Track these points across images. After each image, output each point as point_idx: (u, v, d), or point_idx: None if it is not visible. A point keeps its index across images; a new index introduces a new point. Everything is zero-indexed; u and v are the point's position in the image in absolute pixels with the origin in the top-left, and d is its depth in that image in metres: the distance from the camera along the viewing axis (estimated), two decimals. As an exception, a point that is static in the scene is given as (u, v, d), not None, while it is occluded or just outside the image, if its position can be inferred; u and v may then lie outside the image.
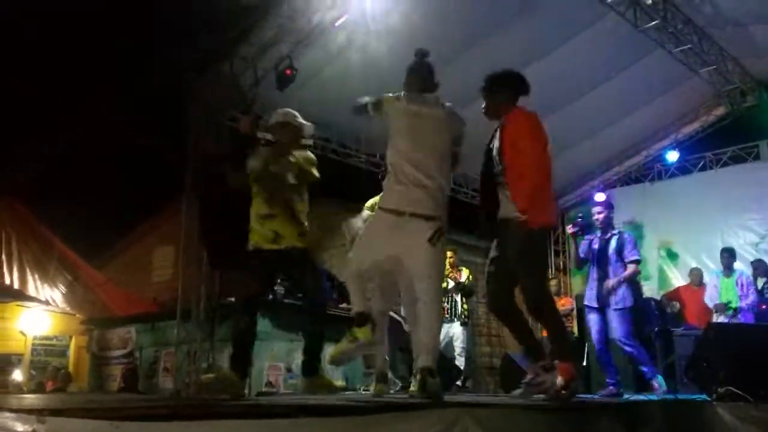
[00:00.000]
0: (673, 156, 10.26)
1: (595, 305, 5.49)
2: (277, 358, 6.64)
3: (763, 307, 7.28)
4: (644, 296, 8.48)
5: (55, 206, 10.16)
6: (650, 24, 7.52)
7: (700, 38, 8.07)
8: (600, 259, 5.57)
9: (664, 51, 8.10)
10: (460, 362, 7.46)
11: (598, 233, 5.75)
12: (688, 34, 7.89)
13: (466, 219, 10.72)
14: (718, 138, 10.17)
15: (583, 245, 5.72)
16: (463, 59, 7.79)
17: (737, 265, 7.92)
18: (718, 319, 7.25)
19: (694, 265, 9.16)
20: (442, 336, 7.49)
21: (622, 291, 5.41)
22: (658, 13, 7.41)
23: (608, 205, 5.91)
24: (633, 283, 5.67)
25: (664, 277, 10.03)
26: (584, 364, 8.42)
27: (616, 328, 5.31)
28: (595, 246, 5.65)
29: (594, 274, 5.60)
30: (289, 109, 4.37)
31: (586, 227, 5.78)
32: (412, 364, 6.86)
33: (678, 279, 9.69)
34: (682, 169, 10.39)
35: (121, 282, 11.03)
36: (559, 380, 3.40)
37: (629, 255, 5.53)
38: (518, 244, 3.65)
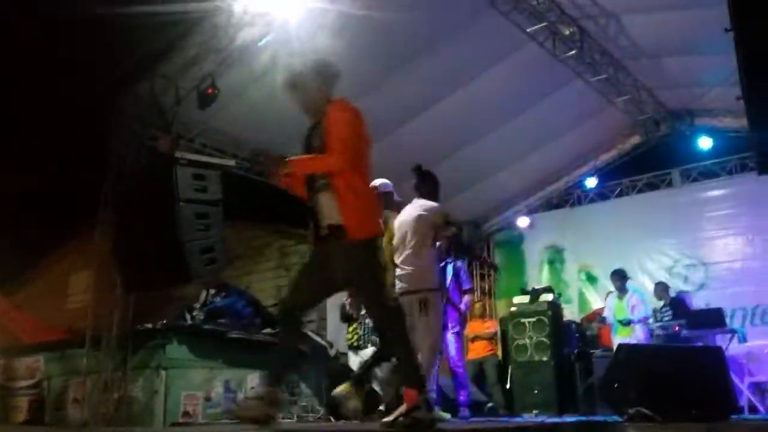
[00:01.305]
0: (591, 182, 10.61)
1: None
2: (195, 387, 6.39)
3: (676, 329, 7.57)
4: (564, 319, 8.69)
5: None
6: (568, 54, 7.78)
7: (616, 69, 8.41)
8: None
9: (582, 81, 8.41)
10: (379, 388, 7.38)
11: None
12: (604, 64, 8.21)
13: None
14: (634, 165, 10.63)
15: None
16: (386, 86, 7.84)
17: (631, 284, 8.44)
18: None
19: (612, 288, 9.43)
20: (357, 364, 7.44)
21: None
22: (576, 43, 7.69)
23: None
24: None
25: (584, 299, 10.30)
26: (508, 386, 8.52)
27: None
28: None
29: None
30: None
31: None
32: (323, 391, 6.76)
33: (597, 302, 9.96)
34: (601, 195, 10.75)
35: (35, 308, 10.46)
36: (402, 407, 3.17)
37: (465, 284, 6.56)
38: (357, 257, 3.24)
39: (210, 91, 6.50)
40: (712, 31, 6.89)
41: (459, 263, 6.83)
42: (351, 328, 7.57)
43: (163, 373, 6.21)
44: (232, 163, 6.81)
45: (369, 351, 7.44)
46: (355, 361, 7.49)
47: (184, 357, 6.29)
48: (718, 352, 4.58)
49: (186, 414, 6.32)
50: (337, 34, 6.76)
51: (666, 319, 7.93)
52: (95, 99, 7.02)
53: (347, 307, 7.58)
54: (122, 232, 6.46)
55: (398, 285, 4.65)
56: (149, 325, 6.37)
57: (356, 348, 7.49)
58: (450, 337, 6.28)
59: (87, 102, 7.47)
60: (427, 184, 5.17)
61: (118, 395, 6.19)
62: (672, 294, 8.42)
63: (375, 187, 4.69)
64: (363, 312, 7.51)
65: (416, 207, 4.90)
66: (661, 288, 8.38)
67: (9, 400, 7.74)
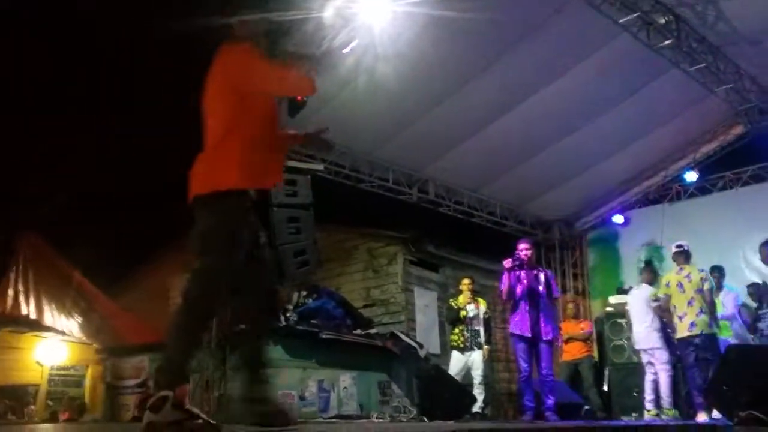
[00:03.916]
0: (691, 176, 10.15)
1: (528, 335, 6.12)
2: (290, 386, 6.55)
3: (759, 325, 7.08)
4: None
5: (74, 237, 10.25)
6: (664, 43, 7.45)
7: (716, 57, 7.99)
8: (530, 293, 6.23)
9: (679, 70, 8.04)
10: (479, 390, 7.35)
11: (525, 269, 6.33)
12: (702, 52, 7.82)
13: (482, 243, 10.65)
14: (737, 157, 10.08)
15: (512, 279, 6.29)
16: (475, 83, 7.80)
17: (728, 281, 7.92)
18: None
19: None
20: (461, 365, 7.43)
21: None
22: (672, 32, 7.35)
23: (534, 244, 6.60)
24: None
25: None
26: (605, 388, 8.25)
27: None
28: (525, 281, 6.25)
29: (525, 306, 6.18)
30: None
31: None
32: (428, 392, 6.78)
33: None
34: (702, 189, 10.26)
35: (139, 311, 11.03)
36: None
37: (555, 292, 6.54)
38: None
39: (299, 99, 6.64)
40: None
41: (549, 272, 6.85)
42: (457, 330, 7.61)
43: (260, 372, 6.39)
44: (320, 167, 6.93)
45: (476, 354, 7.44)
46: (459, 361, 7.50)
47: (279, 357, 6.45)
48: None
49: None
50: (423, 36, 6.79)
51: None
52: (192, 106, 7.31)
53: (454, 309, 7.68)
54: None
55: None
56: (245, 327, 6.57)
57: (461, 349, 7.52)
58: (542, 346, 6.20)
59: (184, 108, 7.80)
60: None
61: (219, 394, 6.42)
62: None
63: None
64: (471, 315, 7.55)
65: None
66: (760, 289, 7.72)
67: (118, 398, 8.20)
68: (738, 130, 9.77)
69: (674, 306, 6.49)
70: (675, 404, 7.04)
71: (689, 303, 6.38)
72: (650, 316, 7.13)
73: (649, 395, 7.00)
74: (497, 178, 9.99)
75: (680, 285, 6.49)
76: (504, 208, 10.69)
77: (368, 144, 8.67)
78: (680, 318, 6.42)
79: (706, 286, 6.45)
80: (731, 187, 9.97)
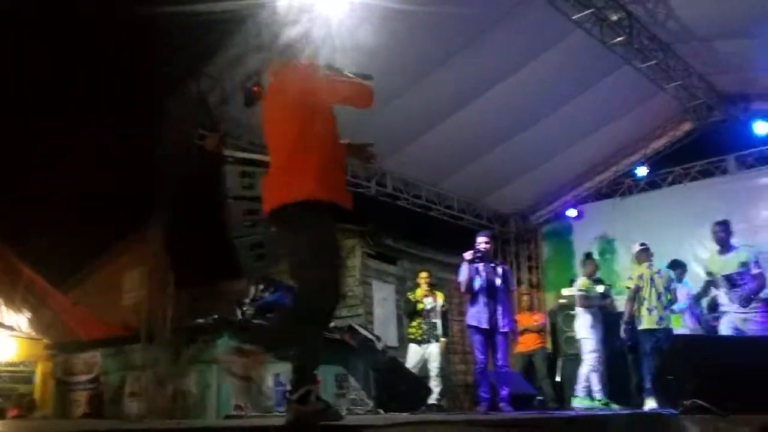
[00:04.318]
0: (642, 171, 10.38)
1: (486, 327, 6.22)
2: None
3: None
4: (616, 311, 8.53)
5: (23, 230, 9.96)
6: (616, 40, 7.60)
7: (666, 54, 8.18)
8: (488, 286, 6.33)
9: (631, 67, 8.21)
10: (436, 382, 7.41)
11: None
12: (653, 50, 8.00)
13: (439, 236, 10.73)
14: (686, 153, 10.36)
15: (471, 271, 6.36)
16: (434, 77, 7.83)
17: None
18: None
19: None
20: (418, 357, 7.49)
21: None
22: (624, 29, 7.50)
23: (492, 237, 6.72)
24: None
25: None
26: (558, 379, 8.43)
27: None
28: (483, 274, 6.34)
29: (483, 299, 6.29)
30: None
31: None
32: (385, 384, 6.82)
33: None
34: (652, 184, 10.51)
35: (91, 305, 10.79)
36: None
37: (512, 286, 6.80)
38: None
39: (256, 89, 6.57)
40: (764, 14, 6.69)
41: (506, 266, 6.99)
42: (415, 323, 7.64)
43: (215, 367, 6.32)
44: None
45: (433, 346, 7.50)
46: (416, 354, 7.54)
47: (234, 351, 6.39)
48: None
49: (238, 407, 6.43)
50: (380, 28, 6.77)
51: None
52: (144, 99, 7.19)
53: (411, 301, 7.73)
54: (174, 230, 6.63)
55: None
56: (201, 321, 6.49)
57: (419, 342, 7.56)
58: (498, 338, 6.33)
59: (136, 102, 7.67)
60: None
61: (173, 389, 6.34)
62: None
63: None
64: (428, 308, 7.60)
65: None
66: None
67: (68, 394, 8.02)
68: (687, 126, 10.05)
69: (644, 298, 6.78)
70: (614, 393, 7.29)
71: (658, 297, 6.75)
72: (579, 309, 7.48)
73: (581, 383, 7.32)
74: (455, 172, 10.07)
75: (652, 279, 6.83)
76: (461, 202, 10.79)
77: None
78: (649, 310, 6.74)
79: (674, 284, 6.92)
80: (680, 182, 10.24)
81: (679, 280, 7.88)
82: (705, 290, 7.13)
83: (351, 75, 3.10)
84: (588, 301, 7.44)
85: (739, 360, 3.66)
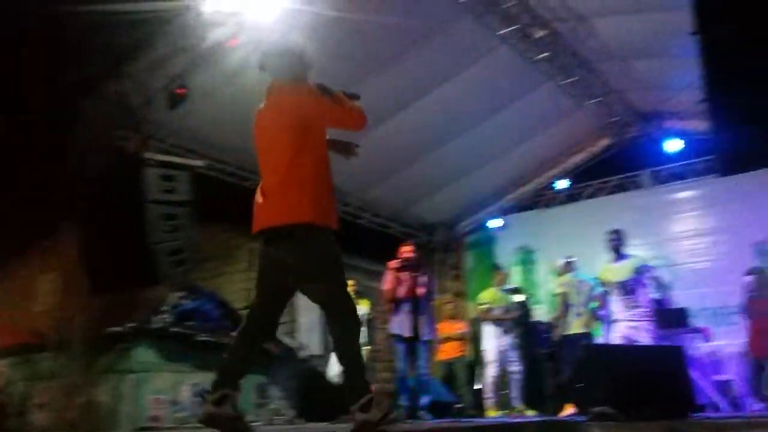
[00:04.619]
0: (563, 184, 10.71)
1: (409, 335, 6.24)
2: (162, 391, 6.31)
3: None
4: (535, 319, 8.77)
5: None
6: (540, 56, 7.84)
7: (587, 72, 8.50)
8: (412, 295, 6.37)
9: (553, 83, 8.48)
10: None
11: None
12: (575, 67, 8.29)
13: (367, 245, 10.73)
14: (604, 167, 10.75)
15: (396, 280, 6.42)
16: (362, 86, 7.75)
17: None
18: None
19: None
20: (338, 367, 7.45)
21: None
22: (547, 46, 7.74)
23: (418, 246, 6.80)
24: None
25: (554, 300, 10.35)
26: (478, 387, 8.56)
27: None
28: (407, 283, 6.38)
29: (407, 307, 6.33)
30: None
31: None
32: (305, 393, 6.74)
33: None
34: (572, 196, 10.85)
35: (1, 312, 10.25)
36: None
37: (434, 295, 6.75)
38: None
39: (180, 91, 6.44)
40: (679, 35, 7.05)
41: (429, 275, 7.08)
42: None
43: (129, 377, 6.13)
44: (200, 163, 6.74)
45: None
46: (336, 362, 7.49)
47: (151, 360, 6.22)
48: (680, 351, 4.65)
49: (153, 418, 6.24)
50: (310, 35, 6.74)
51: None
52: (58, 99, 6.88)
53: None
54: (90, 234, 6.38)
55: None
56: (116, 329, 6.27)
57: None
58: (420, 346, 6.40)
59: (50, 102, 7.33)
60: None
61: (84, 400, 6.09)
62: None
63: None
64: None
65: None
66: None
67: (-29, 405, 7.58)
68: (605, 141, 10.47)
69: (571, 304, 7.09)
70: (534, 400, 7.50)
71: (585, 304, 7.06)
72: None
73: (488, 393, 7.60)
74: (383, 181, 10.11)
75: (577, 286, 7.16)
76: (390, 211, 10.84)
77: (254, 142, 8.47)
78: (578, 315, 7.04)
79: (597, 290, 7.09)
80: (598, 196, 10.62)
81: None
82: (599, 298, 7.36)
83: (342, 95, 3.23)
84: (490, 314, 7.69)
85: (645, 368, 3.82)
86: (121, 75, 6.61)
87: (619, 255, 6.67)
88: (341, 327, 3.04)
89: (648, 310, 6.31)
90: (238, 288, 9.56)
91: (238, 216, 9.89)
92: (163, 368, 6.31)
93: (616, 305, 6.50)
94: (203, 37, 6.22)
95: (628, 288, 6.37)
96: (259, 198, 3.15)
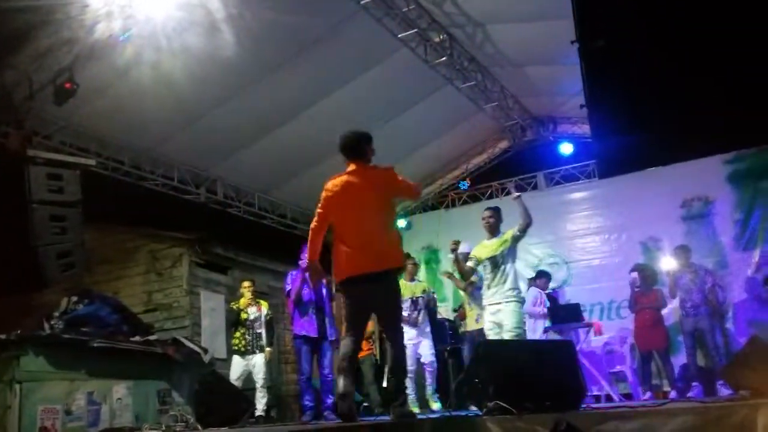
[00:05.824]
0: (465, 185, 10.99)
1: (314, 336, 6.44)
2: (54, 400, 6.00)
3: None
4: (439, 317, 8.93)
5: None
6: (439, 60, 8.02)
7: (484, 76, 8.78)
8: (317, 296, 6.61)
9: (453, 87, 8.69)
10: (262, 393, 7.32)
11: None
12: (473, 71, 8.54)
13: (272, 245, 10.61)
14: (504, 168, 11.16)
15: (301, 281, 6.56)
16: (265, 84, 7.77)
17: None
18: None
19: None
20: (241, 369, 7.33)
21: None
22: (446, 50, 7.93)
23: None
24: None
25: (457, 297, 10.61)
26: (384, 385, 8.64)
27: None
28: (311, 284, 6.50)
29: (312, 308, 6.51)
30: None
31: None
32: (205, 398, 6.59)
33: (469, 299, 10.30)
34: (473, 197, 11.17)
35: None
36: None
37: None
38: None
39: (68, 85, 6.14)
40: (565, 43, 7.40)
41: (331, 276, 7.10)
42: (238, 333, 7.46)
43: (17, 386, 5.79)
44: (90, 161, 6.45)
45: (258, 357, 7.36)
46: (239, 365, 7.36)
47: (41, 369, 5.88)
48: (569, 345, 4.86)
49: (44, 429, 5.92)
50: (210, 32, 6.61)
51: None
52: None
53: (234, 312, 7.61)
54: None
55: None
56: (1, 336, 5.91)
57: (242, 353, 7.39)
58: (325, 347, 6.49)
59: None
60: None
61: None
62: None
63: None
64: (252, 317, 7.44)
65: None
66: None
67: None
68: (504, 144, 10.86)
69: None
70: (441, 397, 7.65)
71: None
72: None
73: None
74: (287, 181, 10.03)
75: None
76: (295, 211, 10.77)
77: (151, 139, 8.18)
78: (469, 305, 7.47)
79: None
80: (497, 196, 10.98)
81: (544, 288, 8.43)
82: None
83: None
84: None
85: (534, 362, 3.98)
86: (4, 66, 6.23)
87: (494, 233, 6.41)
88: (400, 343, 4.23)
89: (516, 290, 6.02)
90: (138, 291, 9.24)
91: (136, 217, 9.57)
92: (55, 376, 5.99)
93: (485, 289, 6.26)
94: (91, 29, 5.94)
95: (498, 262, 6.12)
96: (346, 248, 4.20)
